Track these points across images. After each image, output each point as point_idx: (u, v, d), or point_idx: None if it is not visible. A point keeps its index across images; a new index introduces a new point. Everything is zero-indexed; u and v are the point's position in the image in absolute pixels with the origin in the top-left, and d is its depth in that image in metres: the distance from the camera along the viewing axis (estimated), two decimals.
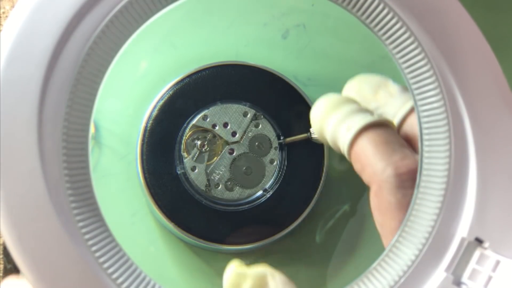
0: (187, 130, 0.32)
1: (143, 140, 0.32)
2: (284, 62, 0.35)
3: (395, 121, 0.29)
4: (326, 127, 0.29)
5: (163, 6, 0.25)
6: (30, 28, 0.23)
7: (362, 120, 0.27)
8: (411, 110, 0.28)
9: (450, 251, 0.24)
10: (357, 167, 0.28)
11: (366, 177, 0.27)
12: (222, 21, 0.35)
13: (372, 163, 0.26)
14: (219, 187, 0.32)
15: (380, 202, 0.26)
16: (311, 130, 0.32)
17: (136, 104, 0.34)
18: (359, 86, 0.32)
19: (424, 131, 0.25)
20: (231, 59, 0.34)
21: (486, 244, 0.24)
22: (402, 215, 0.25)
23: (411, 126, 0.29)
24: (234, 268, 0.29)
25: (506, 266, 0.23)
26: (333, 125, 0.28)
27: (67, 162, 0.23)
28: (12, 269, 0.32)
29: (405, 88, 0.31)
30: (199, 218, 0.32)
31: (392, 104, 0.30)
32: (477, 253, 0.24)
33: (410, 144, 0.28)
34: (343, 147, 0.28)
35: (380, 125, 0.27)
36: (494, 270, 0.23)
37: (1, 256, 0.32)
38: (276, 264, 0.34)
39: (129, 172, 0.34)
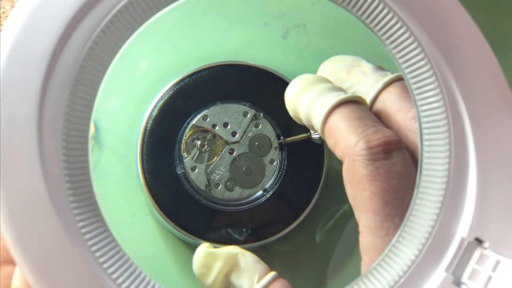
0: (187, 130, 0.32)
1: (143, 140, 0.32)
2: (284, 62, 0.35)
3: (368, 98, 0.30)
4: (300, 105, 0.29)
5: (163, 6, 0.25)
6: (30, 28, 0.23)
7: (336, 97, 0.28)
8: (383, 88, 0.29)
9: (450, 251, 0.24)
10: (330, 142, 0.28)
11: (339, 151, 0.27)
12: (222, 21, 0.35)
13: (345, 137, 0.27)
14: (219, 187, 0.32)
15: (352, 175, 0.26)
16: (311, 129, 0.32)
17: (136, 104, 0.34)
18: (333, 66, 0.32)
19: (424, 131, 0.25)
20: (231, 59, 0.34)
21: (486, 244, 0.24)
22: (374, 187, 0.26)
23: (383, 103, 0.29)
24: (203, 249, 0.29)
25: (506, 266, 0.23)
26: (307, 102, 0.29)
27: (67, 162, 0.23)
28: None
29: (378, 67, 0.31)
30: (199, 218, 0.32)
31: (365, 82, 0.30)
32: (477, 253, 0.24)
33: (381, 120, 0.29)
34: (317, 123, 0.28)
35: (353, 101, 0.28)
36: (494, 270, 0.23)
37: None
38: (276, 264, 0.34)
39: (129, 172, 0.34)
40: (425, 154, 0.25)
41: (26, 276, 0.22)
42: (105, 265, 0.23)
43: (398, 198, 0.26)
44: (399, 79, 0.30)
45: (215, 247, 0.30)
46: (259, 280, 0.28)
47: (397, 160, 0.26)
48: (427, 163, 0.25)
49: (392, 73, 0.30)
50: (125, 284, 0.23)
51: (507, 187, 0.24)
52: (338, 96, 0.28)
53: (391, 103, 0.29)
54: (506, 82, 0.25)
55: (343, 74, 0.32)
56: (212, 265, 0.29)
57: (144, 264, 0.25)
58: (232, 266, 0.29)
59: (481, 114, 0.24)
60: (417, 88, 0.25)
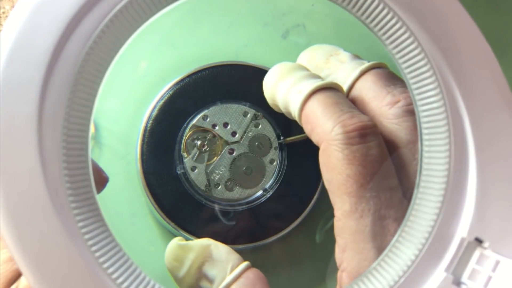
0: (187, 130, 0.32)
1: (143, 140, 0.32)
2: None
3: (345, 86, 0.30)
4: (278, 92, 0.30)
5: (163, 6, 0.25)
6: (30, 28, 0.23)
7: (313, 83, 0.28)
8: (360, 76, 0.30)
9: (450, 251, 0.24)
10: (307, 128, 0.28)
11: (315, 136, 0.28)
12: (222, 21, 0.35)
13: (322, 123, 0.27)
14: (219, 187, 0.32)
15: (328, 159, 0.27)
16: None
17: (136, 104, 0.34)
18: (312, 55, 0.33)
19: (424, 131, 0.25)
20: (231, 59, 0.34)
21: (486, 244, 0.24)
22: (349, 170, 0.26)
23: (359, 90, 0.30)
24: (176, 241, 0.29)
25: (506, 266, 0.23)
26: (285, 89, 0.29)
27: (67, 162, 0.23)
28: None
29: (356, 56, 0.32)
30: (199, 218, 0.32)
31: (342, 70, 0.31)
32: (476, 253, 0.24)
33: (357, 107, 0.29)
34: (294, 110, 0.29)
35: (329, 88, 0.29)
36: (494, 270, 0.23)
37: None
38: (276, 264, 0.34)
39: (129, 172, 0.34)
40: (425, 154, 0.25)
41: (26, 276, 0.22)
42: (105, 265, 0.23)
43: (373, 180, 0.26)
44: (375, 67, 0.30)
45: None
46: (232, 270, 0.29)
47: (372, 144, 0.26)
48: (427, 163, 0.25)
49: (369, 62, 0.31)
50: (125, 284, 0.23)
51: (507, 187, 0.24)
52: (315, 83, 0.28)
53: (367, 90, 0.29)
54: (506, 82, 0.25)
55: (321, 62, 0.32)
56: (184, 258, 0.29)
57: (144, 264, 0.25)
58: (205, 258, 0.29)
59: (481, 114, 0.24)
60: (417, 88, 0.25)
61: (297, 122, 0.30)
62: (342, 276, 0.27)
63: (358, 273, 0.26)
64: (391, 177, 0.27)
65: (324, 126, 0.27)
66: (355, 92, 0.30)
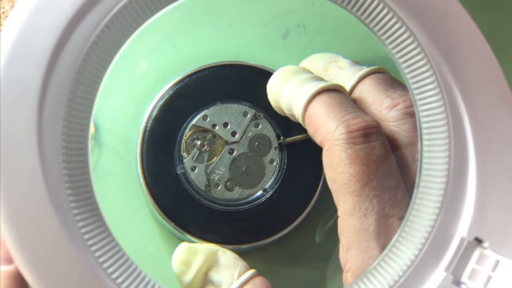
0: (187, 130, 0.32)
1: (143, 140, 0.32)
2: (284, 62, 0.35)
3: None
4: (282, 94, 0.30)
5: (163, 6, 0.25)
6: (30, 28, 0.23)
7: (317, 85, 0.29)
8: (359, 81, 0.30)
9: (449, 251, 0.24)
10: (310, 129, 0.29)
11: (319, 137, 0.28)
12: (222, 21, 0.35)
13: (325, 123, 0.27)
14: (219, 187, 0.32)
15: (332, 158, 0.27)
16: None
17: (136, 104, 0.34)
18: (311, 63, 0.33)
19: (424, 131, 0.25)
20: (231, 59, 0.34)
21: (486, 244, 0.24)
22: (352, 169, 0.26)
23: (359, 94, 0.30)
24: (184, 245, 0.29)
25: (506, 266, 0.23)
26: (288, 92, 0.30)
27: (67, 162, 0.23)
28: None
29: (355, 62, 0.32)
30: (199, 218, 0.32)
31: (341, 76, 0.31)
32: (476, 252, 0.24)
33: None
34: (298, 111, 0.29)
35: (333, 90, 0.29)
36: (493, 270, 0.23)
37: None
38: (276, 264, 0.34)
39: (129, 172, 0.34)
40: (425, 154, 0.25)
41: (26, 276, 0.22)
42: (105, 265, 0.23)
43: (376, 179, 0.26)
44: (374, 72, 0.30)
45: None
46: (239, 276, 0.29)
47: (376, 144, 0.27)
48: (427, 163, 0.25)
49: (368, 67, 0.31)
50: (125, 284, 0.23)
51: (507, 187, 0.24)
52: (318, 84, 0.29)
53: (366, 94, 0.30)
54: (506, 82, 0.25)
55: (321, 70, 0.32)
56: (192, 262, 0.29)
57: (144, 264, 0.25)
58: (212, 263, 0.29)
59: (481, 114, 0.24)
60: (417, 88, 0.25)
61: (301, 124, 0.30)
62: (347, 276, 0.27)
63: (363, 272, 0.26)
64: (394, 176, 0.27)
65: (327, 126, 0.27)
66: (354, 97, 0.30)
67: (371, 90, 0.29)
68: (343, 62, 0.32)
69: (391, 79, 0.30)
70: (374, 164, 0.26)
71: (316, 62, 0.33)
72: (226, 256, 0.30)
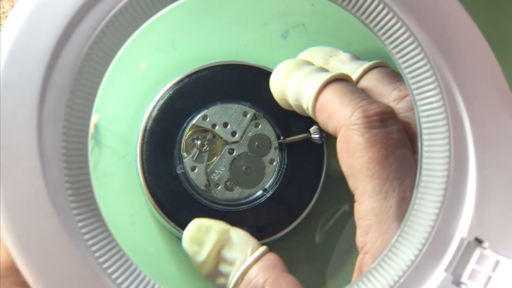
0: (187, 130, 0.32)
1: (143, 140, 0.32)
2: None
3: None
4: (289, 85, 0.30)
5: (163, 6, 0.25)
6: (30, 28, 0.23)
7: (326, 75, 0.29)
8: (363, 75, 0.30)
9: (449, 251, 0.24)
10: (323, 117, 0.28)
11: (333, 123, 0.28)
12: (222, 21, 0.35)
13: (340, 109, 0.27)
14: (219, 187, 0.32)
15: (349, 143, 0.27)
16: (311, 129, 0.32)
17: (136, 104, 0.34)
18: (310, 56, 0.33)
19: (424, 131, 0.25)
20: (231, 59, 0.34)
21: (486, 244, 0.24)
22: (371, 153, 0.26)
23: (364, 86, 0.30)
24: (196, 222, 0.30)
25: (506, 266, 0.23)
26: (296, 82, 0.30)
27: (67, 162, 0.23)
28: None
29: (355, 56, 0.32)
30: (199, 218, 0.32)
31: (343, 70, 0.31)
32: (476, 253, 0.24)
33: None
34: (308, 101, 0.29)
35: (342, 79, 0.29)
36: (493, 270, 0.23)
37: None
38: None
39: (129, 172, 0.34)
40: (424, 154, 0.25)
41: (26, 276, 0.22)
42: (105, 265, 0.23)
43: (396, 162, 0.26)
44: (377, 66, 0.30)
45: None
46: (252, 252, 0.29)
47: (393, 129, 0.27)
48: (427, 163, 0.25)
49: (370, 62, 0.31)
50: (125, 284, 0.23)
51: (507, 187, 0.24)
52: (328, 74, 0.29)
53: (372, 87, 0.30)
54: (506, 82, 0.25)
55: (321, 63, 0.32)
56: (205, 241, 0.29)
57: (144, 264, 0.25)
58: (224, 241, 0.30)
59: (481, 114, 0.24)
60: (416, 88, 0.25)
61: (304, 117, 0.30)
62: (365, 258, 0.26)
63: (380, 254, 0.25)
64: (413, 162, 0.27)
65: (342, 112, 0.27)
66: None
67: (376, 83, 0.30)
68: (344, 56, 0.32)
69: (394, 72, 0.30)
70: (392, 148, 0.26)
71: (314, 56, 0.33)
72: (238, 234, 0.30)
